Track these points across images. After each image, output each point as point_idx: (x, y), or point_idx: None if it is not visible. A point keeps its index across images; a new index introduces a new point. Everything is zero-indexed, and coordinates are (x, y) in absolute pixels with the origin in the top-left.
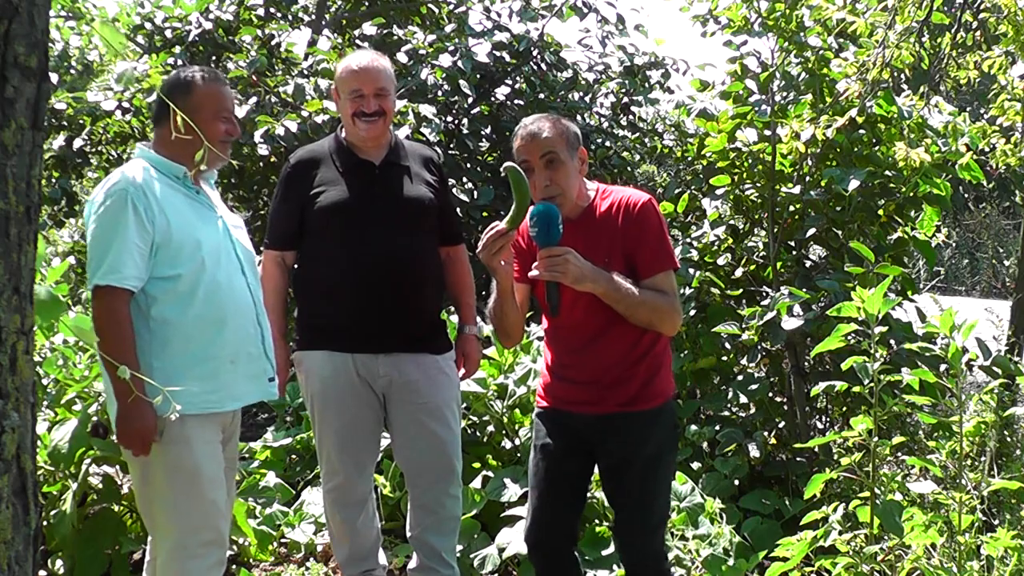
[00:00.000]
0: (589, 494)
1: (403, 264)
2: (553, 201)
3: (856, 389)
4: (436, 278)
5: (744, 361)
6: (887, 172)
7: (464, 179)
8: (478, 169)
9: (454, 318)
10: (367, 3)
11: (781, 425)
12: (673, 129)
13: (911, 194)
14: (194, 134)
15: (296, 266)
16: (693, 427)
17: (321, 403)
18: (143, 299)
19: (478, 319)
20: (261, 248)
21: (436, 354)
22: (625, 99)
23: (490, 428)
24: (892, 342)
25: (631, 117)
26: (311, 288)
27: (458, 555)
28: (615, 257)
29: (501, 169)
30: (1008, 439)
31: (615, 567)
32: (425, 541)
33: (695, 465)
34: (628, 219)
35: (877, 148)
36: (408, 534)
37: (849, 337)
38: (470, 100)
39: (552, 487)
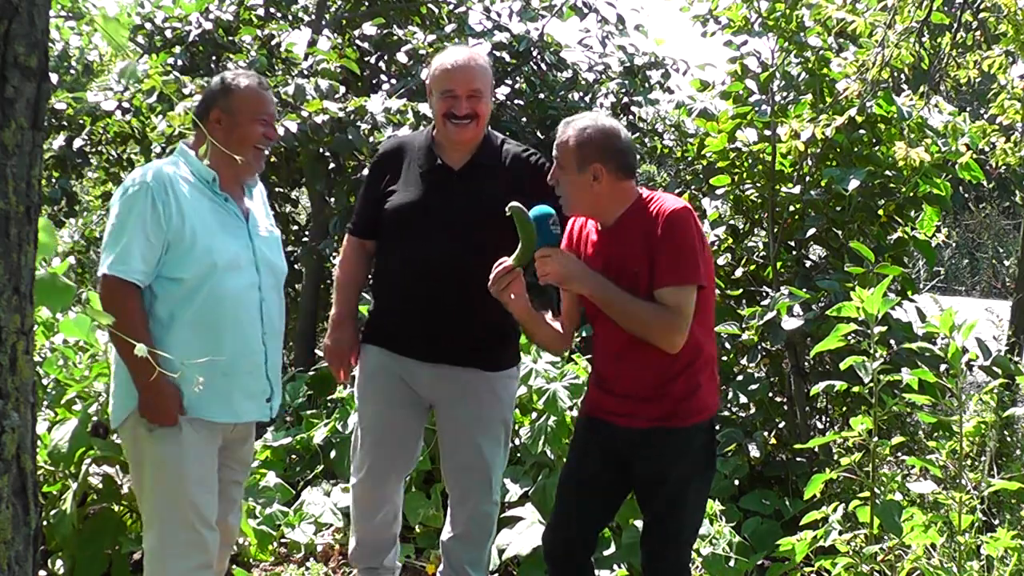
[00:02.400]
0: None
1: (460, 274)
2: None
3: (856, 389)
4: None
5: (744, 361)
6: (887, 172)
7: None
8: None
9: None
10: (367, 3)
11: (781, 425)
12: (673, 129)
13: (911, 194)
14: (228, 138)
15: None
16: None
17: (360, 396)
18: (148, 295)
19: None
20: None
21: (489, 371)
22: (625, 99)
23: None
24: (892, 342)
25: (631, 117)
26: (376, 284)
27: None
28: (644, 265)
29: (506, 209)
30: (1008, 439)
31: (616, 567)
32: (451, 550)
33: None
34: (658, 226)
35: (877, 148)
36: (441, 538)
37: (849, 337)
38: None
39: (578, 497)
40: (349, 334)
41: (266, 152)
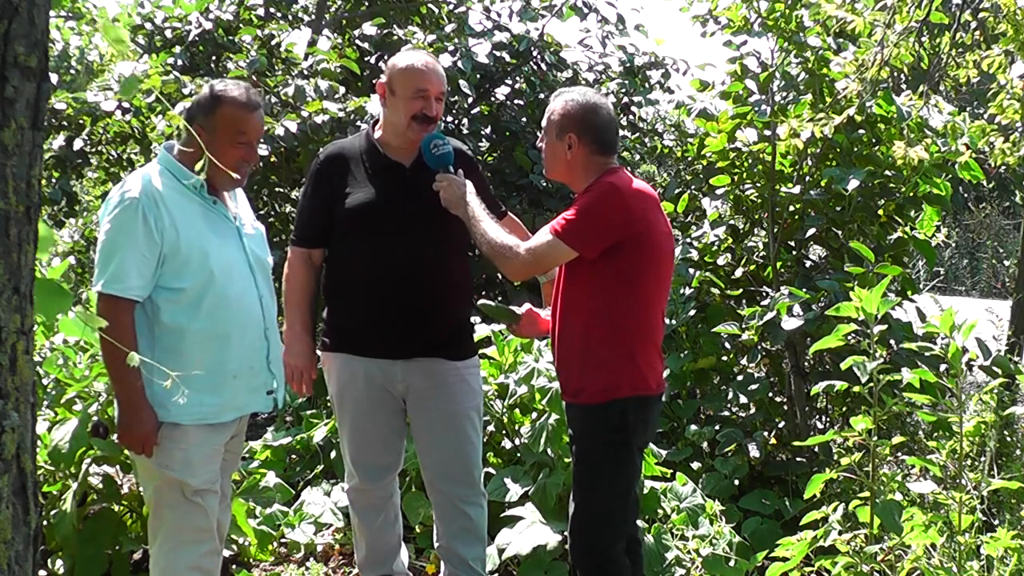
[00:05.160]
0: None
1: (424, 270)
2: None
3: (856, 389)
4: (460, 283)
5: (744, 361)
6: (887, 172)
7: None
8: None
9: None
10: (367, 3)
11: (781, 425)
12: (673, 129)
13: (911, 194)
14: (204, 151)
15: (324, 266)
16: (693, 427)
17: (338, 406)
18: (149, 306)
19: (476, 319)
20: (283, 246)
21: (456, 360)
22: (625, 99)
23: (490, 428)
24: (892, 342)
25: (631, 117)
26: (334, 290)
27: None
28: None
29: (478, 306)
30: (1008, 439)
31: None
32: (452, 551)
33: (695, 465)
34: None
35: (877, 148)
36: (435, 544)
37: (849, 337)
38: (470, 100)
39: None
40: (308, 348)
41: (247, 169)
